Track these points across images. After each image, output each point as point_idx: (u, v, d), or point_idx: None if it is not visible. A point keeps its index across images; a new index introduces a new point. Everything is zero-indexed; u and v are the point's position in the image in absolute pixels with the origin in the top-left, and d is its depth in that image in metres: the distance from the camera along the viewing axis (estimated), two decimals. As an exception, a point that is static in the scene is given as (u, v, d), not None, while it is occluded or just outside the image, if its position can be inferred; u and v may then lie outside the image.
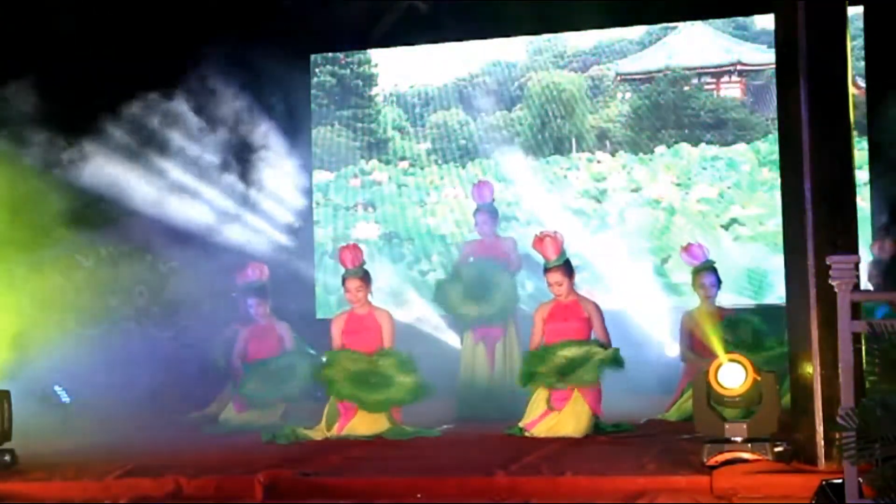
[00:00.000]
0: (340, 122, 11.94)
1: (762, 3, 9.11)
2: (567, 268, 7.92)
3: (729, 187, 11.04)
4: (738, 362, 6.02)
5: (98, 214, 9.94)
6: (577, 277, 8.24)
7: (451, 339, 9.96)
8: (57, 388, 10.28)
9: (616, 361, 7.60)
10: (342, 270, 8.27)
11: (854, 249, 5.60)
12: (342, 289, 8.27)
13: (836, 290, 4.97)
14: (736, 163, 11.05)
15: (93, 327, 10.45)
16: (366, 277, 8.20)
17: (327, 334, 8.28)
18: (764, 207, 10.83)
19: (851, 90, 5.88)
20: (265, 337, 9.10)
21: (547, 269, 7.92)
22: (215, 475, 6.30)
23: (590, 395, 7.60)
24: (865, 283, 8.79)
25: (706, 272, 8.67)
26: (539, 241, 7.95)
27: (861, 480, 4.69)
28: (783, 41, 5.94)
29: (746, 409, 6.11)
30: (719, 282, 8.71)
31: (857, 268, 5.06)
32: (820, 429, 5.60)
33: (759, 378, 5.97)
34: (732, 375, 6.00)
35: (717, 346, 6.86)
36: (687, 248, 8.78)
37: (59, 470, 6.65)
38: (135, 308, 10.72)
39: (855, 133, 5.99)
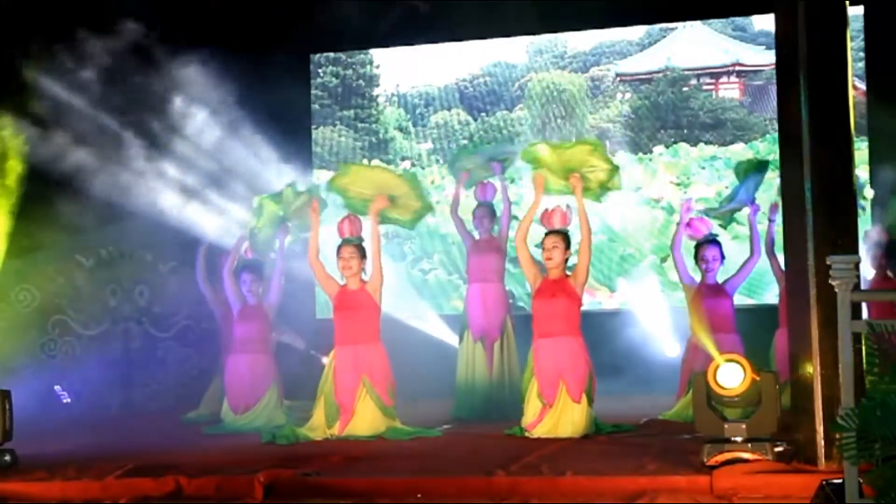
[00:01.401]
0: (343, 122, 11.97)
1: (761, 3, 9.12)
2: (567, 238, 7.88)
3: (727, 187, 11.05)
4: (737, 362, 6.02)
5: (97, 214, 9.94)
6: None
7: (451, 338, 9.97)
8: (57, 388, 10.30)
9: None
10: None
11: (854, 249, 5.60)
12: (337, 260, 8.15)
13: (836, 290, 4.96)
14: (734, 163, 11.04)
15: (93, 327, 10.45)
16: (360, 249, 8.14)
17: (327, 334, 8.26)
18: (762, 206, 10.82)
19: (850, 91, 5.90)
20: (252, 318, 8.97)
21: (546, 234, 7.88)
22: (215, 475, 6.29)
23: (576, 384, 7.56)
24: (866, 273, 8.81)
25: (709, 245, 8.59)
26: (550, 213, 7.92)
27: (861, 480, 4.69)
28: (783, 41, 5.95)
29: (746, 409, 6.10)
30: (723, 256, 8.66)
31: (857, 268, 5.06)
32: (820, 429, 5.60)
33: (757, 378, 5.96)
34: (731, 376, 5.99)
35: (710, 347, 6.85)
36: (689, 223, 8.67)
37: (59, 470, 6.64)
38: (135, 308, 10.71)
39: (854, 133, 5.99)
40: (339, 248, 8.14)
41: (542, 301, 7.79)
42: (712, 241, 8.63)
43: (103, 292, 10.63)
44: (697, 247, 8.65)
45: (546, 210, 8.00)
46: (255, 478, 6.10)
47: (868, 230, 9.17)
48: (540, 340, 7.74)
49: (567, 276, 7.86)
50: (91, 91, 9.67)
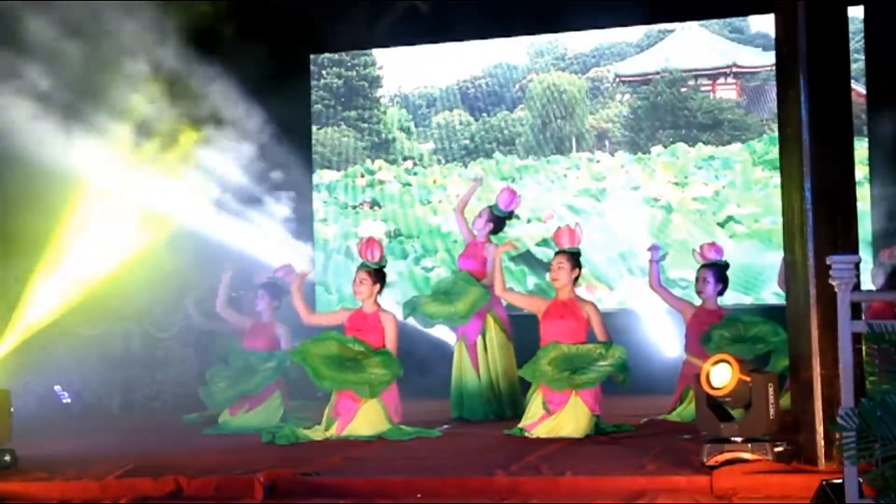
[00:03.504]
0: (347, 123, 12.03)
1: (760, 3, 9.12)
2: (573, 258, 7.90)
3: (724, 186, 11.10)
4: (726, 362, 6.01)
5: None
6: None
7: (452, 338, 9.98)
8: (57, 388, 10.29)
9: (622, 369, 7.60)
10: (345, 269, 8.26)
11: (854, 249, 5.60)
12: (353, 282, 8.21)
13: (836, 290, 4.96)
14: (731, 162, 11.11)
15: (93, 327, 10.43)
16: (375, 275, 8.12)
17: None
18: (759, 206, 10.90)
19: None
20: (262, 334, 9.02)
21: (554, 254, 7.91)
22: (215, 475, 6.29)
23: (588, 396, 7.59)
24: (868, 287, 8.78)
25: (706, 269, 8.64)
26: (559, 231, 7.95)
27: (861, 480, 4.69)
28: (783, 41, 5.94)
29: (744, 408, 6.10)
30: (721, 282, 8.68)
31: (857, 268, 5.06)
32: (820, 429, 5.60)
33: (747, 379, 5.93)
34: (720, 375, 6.00)
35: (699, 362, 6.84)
36: (700, 249, 8.77)
37: (59, 470, 6.64)
38: (135, 308, 10.69)
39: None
40: (358, 272, 8.16)
41: (549, 322, 7.80)
42: (712, 264, 8.63)
43: (104, 292, 10.61)
44: (699, 269, 8.70)
45: (558, 228, 8.01)
46: (255, 478, 6.10)
47: (880, 252, 9.12)
48: None
49: (575, 298, 7.86)
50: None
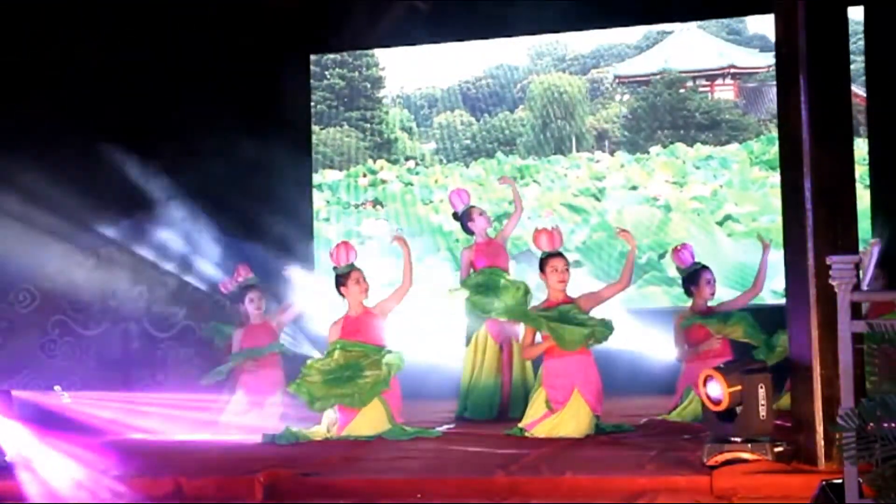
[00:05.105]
0: (349, 123, 12.08)
1: (759, 4, 9.13)
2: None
3: (722, 185, 11.14)
4: (713, 377, 5.93)
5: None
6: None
7: (453, 337, 9.97)
8: (57, 388, 10.29)
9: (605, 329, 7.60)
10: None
11: (854, 249, 5.59)
12: (345, 286, 8.06)
13: (836, 290, 4.96)
14: (729, 162, 11.15)
15: (93, 327, 10.44)
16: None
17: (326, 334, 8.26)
18: (756, 205, 10.95)
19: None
20: (259, 334, 9.05)
21: (551, 256, 7.80)
22: (215, 475, 6.30)
23: (590, 394, 7.59)
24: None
25: (707, 271, 8.55)
26: (550, 234, 7.88)
27: (861, 480, 4.69)
28: (783, 41, 5.94)
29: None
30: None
31: (857, 268, 5.06)
32: (820, 429, 5.60)
33: (738, 388, 5.87)
34: (713, 391, 5.93)
35: None
36: (680, 253, 8.59)
37: (59, 470, 6.65)
38: (135, 308, 10.70)
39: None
40: (351, 273, 8.07)
41: None
42: (704, 266, 8.57)
43: (103, 292, 10.63)
44: (695, 273, 8.52)
45: (546, 230, 7.92)
46: (255, 478, 6.10)
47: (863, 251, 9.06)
48: (549, 361, 7.71)
49: (571, 296, 7.86)
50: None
